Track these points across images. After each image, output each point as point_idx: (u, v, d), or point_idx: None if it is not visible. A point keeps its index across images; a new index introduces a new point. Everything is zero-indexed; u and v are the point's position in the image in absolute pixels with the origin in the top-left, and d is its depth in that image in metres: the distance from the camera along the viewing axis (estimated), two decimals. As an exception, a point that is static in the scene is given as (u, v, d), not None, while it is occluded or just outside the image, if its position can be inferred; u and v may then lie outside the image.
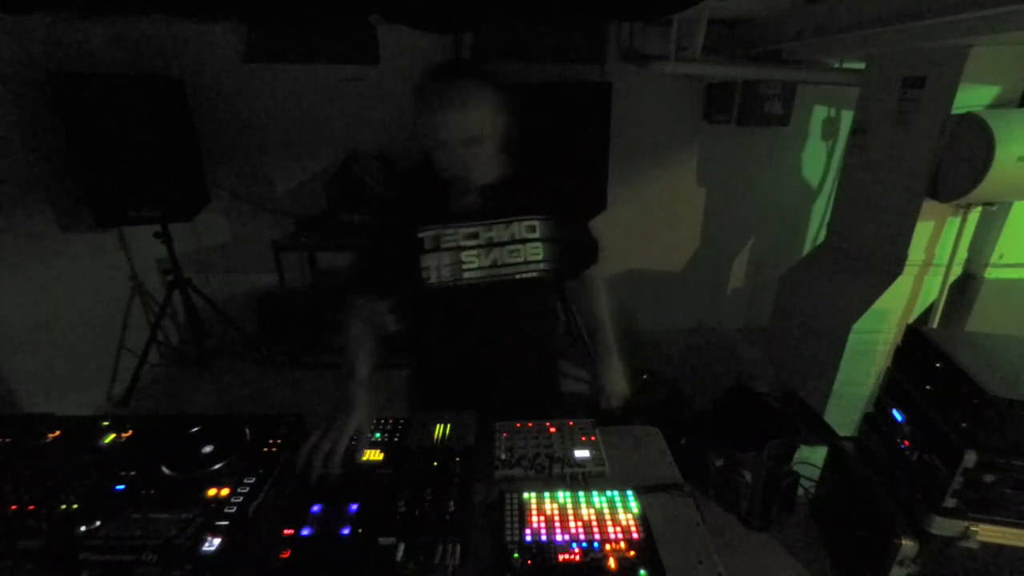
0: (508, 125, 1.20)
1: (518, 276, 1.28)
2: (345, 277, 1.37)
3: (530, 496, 1.01)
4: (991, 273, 2.23)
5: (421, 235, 1.25)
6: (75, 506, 0.94)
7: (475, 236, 1.26)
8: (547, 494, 1.01)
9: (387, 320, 1.36)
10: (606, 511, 0.98)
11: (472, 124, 1.12)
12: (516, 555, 0.88)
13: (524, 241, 1.28)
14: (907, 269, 2.23)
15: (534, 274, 1.29)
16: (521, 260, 1.28)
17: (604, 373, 1.47)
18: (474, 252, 1.26)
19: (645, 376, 2.71)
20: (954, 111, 1.98)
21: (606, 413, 1.42)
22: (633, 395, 1.50)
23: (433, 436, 1.16)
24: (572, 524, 0.95)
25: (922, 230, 2.17)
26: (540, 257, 1.29)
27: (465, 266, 1.25)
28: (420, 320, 1.39)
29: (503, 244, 1.27)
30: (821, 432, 2.47)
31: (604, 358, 1.49)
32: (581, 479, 1.08)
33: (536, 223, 1.30)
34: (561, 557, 0.87)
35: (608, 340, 1.50)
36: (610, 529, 0.93)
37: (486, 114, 1.13)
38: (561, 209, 1.34)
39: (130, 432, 1.16)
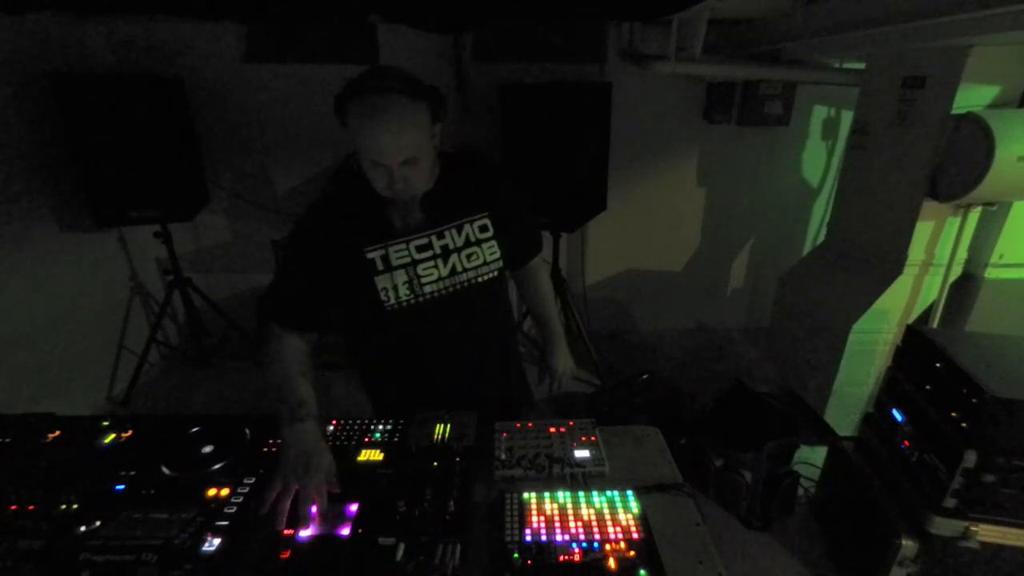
0: (441, 132, 1.14)
1: (479, 279, 1.25)
2: (272, 307, 1.22)
3: (530, 496, 1.01)
4: (991, 273, 2.23)
5: (368, 255, 1.16)
6: (75, 506, 0.94)
7: (427, 247, 1.20)
8: (547, 494, 1.01)
9: (314, 349, 1.26)
10: (606, 511, 0.98)
11: (412, 146, 1.05)
12: (516, 555, 0.88)
13: (479, 242, 1.24)
14: (907, 269, 2.23)
15: (494, 274, 1.27)
16: (480, 262, 1.24)
17: (553, 354, 1.48)
18: (431, 264, 1.20)
19: (645, 376, 2.70)
20: (954, 111, 1.98)
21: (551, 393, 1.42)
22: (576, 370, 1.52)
23: (433, 436, 1.16)
24: (572, 524, 0.95)
25: (922, 230, 2.17)
26: (497, 256, 1.26)
27: (424, 280, 1.19)
28: (373, 340, 1.32)
29: (458, 249, 1.22)
30: (821, 432, 2.47)
31: (552, 340, 1.49)
32: (581, 479, 1.08)
33: (486, 220, 1.25)
34: (561, 557, 0.87)
35: (554, 323, 1.51)
36: (610, 529, 0.93)
37: (424, 132, 1.07)
38: (503, 200, 1.30)
39: (130, 432, 1.16)
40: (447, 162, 1.24)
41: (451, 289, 1.22)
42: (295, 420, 1.06)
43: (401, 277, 1.18)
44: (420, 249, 1.19)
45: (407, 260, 1.18)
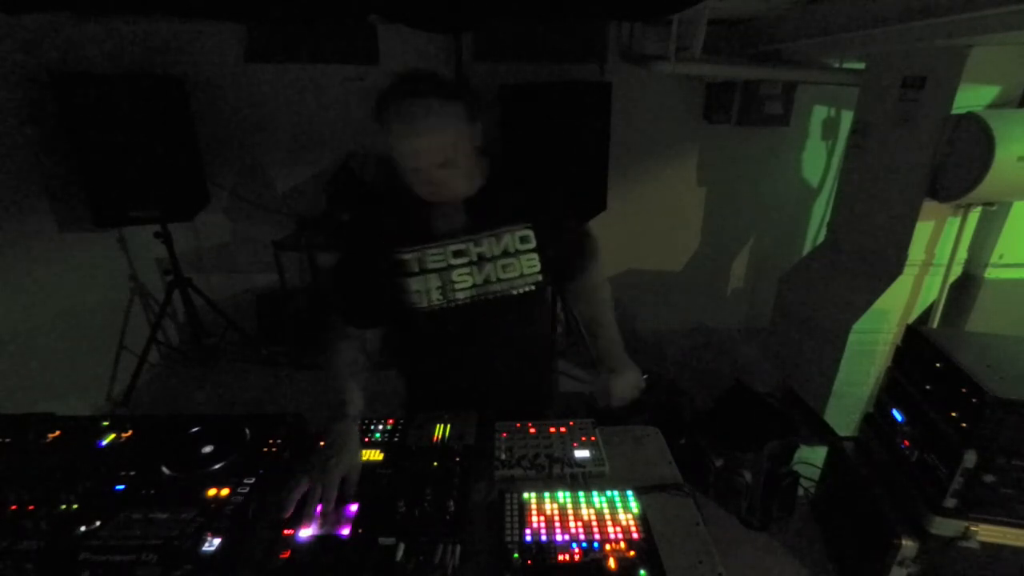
0: (481, 132, 1.13)
1: (514, 292, 1.22)
2: (327, 302, 1.27)
3: (530, 496, 1.01)
4: (991, 273, 2.23)
5: (404, 257, 1.16)
6: (75, 506, 0.94)
7: (463, 253, 1.18)
8: (547, 494, 1.01)
9: (374, 340, 1.30)
10: (606, 511, 0.98)
11: (446, 147, 1.04)
12: (516, 555, 0.88)
13: (518, 253, 1.21)
14: (907, 269, 2.23)
15: (530, 288, 1.23)
16: (516, 274, 1.21)
17: (608, 375, 1.38)
18: (465, 270, 1.18)
19: (645, 376, 2.70)
20: (954, 111, 1.98)
21: (606, 413, 1.38)
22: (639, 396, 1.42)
23: (433, 436, 1.16)
24: (572, 524, 0.94)
25: (922, 230, 2.17)
26: (536, 269, 1.22)
27: (457, 286, 1.18)
28: (408, 338, 1.32)
29: (495, 258, 1.20)
30: (821, 432, 2.47)
31: (608, 360, 1.40)
32: (581, 479, 1.08)
33: (529, 232, 1.21)
34: (561, 557, 0.87)
35: (610, 342, 1.41)
36: (610, 529, 0.93)
37: (458, 133, 1.06)
38: (551, 212, 1.27)
39: (130, 432, 1.16)
40: (497, 165, 1.22)
41: (482, 298, 1.20)
42: (333, 420, 1.11)
43: (435, 281, 1.17)
44: (456, 254, 1.18)
45: (442, 264, 1.17)
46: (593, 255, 1.42)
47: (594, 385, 1.41)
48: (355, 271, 1.24)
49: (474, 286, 1.20)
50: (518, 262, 1.21)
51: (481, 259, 1.19)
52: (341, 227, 1.28)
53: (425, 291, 1.17)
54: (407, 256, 1.17)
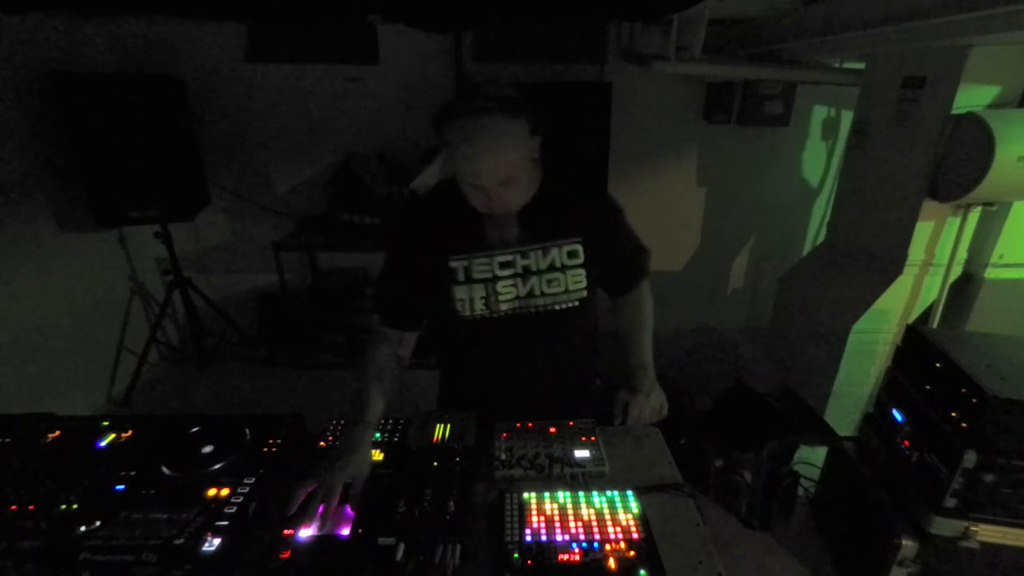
0: (539, 144, 1.11)
1: (557, 307, 1.20)
2: (374, 305, 1.27)
3: (530, 496, 1.01)
4: (991, 273, 2.22)
5: (452, 265, 1.16)
6: (75, 506, 0.94)
7: (510, 264, 1.17)
8: (547, 494, 1.01)
9: (410, 350, 1.29)
10: (606, 511, 0.98)
11: (509, 166, 1.03)
12: (516, 555, 0.88)
13: (565, 268, 1.19)
14: (907, 269, 2.23)
15: (575, 303, 1.21)
16: (561, 289, 1.19)
17: (631, 394, 1.36)
18: (510, 282, 1.17)
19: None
20: (954, 111, 1.97)
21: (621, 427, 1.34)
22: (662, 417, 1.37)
23: (433, 436, 1.16)
24: (572, 524, 0.95)
25: (922, 230, 2.17)
26: (582, 285, 1.20)
27: (501, 297, 1.17)
28: (447, 342, 1.33)
29: (540, 272, 1.18)
30: (821, 432, 2.46)
31: (636, 379, 1.37)
32: (581, 479, 1.08)
33: (578, 247, 1.19)
34: (561, 557, 0.87)
35: (643, 360, 1.38)
36: (610, 529, 0.93)
37: (521, 151, 1.05)
38: (603, 226, 1.25)
39: (130, 432, 1.16)
40: (550, 173, 1.20)
41: (524, 311, 1.19)
42: (351, 423, 1.11)
43: (479, 291, 1.17)
44: (503, 266, 1.17)
45: (488, 275, 1.17)
46: (643, 272, 1.40)
47: (616, 402, 1.38)
48: (400, 274, 1.24)
49: (517, 298, 1.19)
50: (564, 277, 1.19)
51: (527, 272, 1.18)
52: (398, 227, 1.26)
53: (469, 300, 1.17)
54: (454, 264, 1.16)
